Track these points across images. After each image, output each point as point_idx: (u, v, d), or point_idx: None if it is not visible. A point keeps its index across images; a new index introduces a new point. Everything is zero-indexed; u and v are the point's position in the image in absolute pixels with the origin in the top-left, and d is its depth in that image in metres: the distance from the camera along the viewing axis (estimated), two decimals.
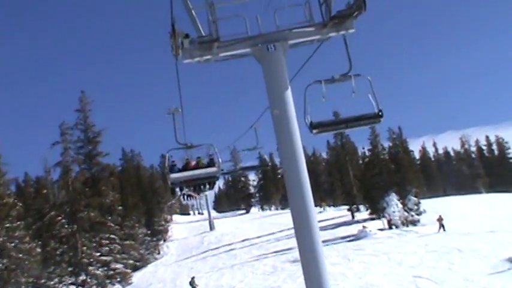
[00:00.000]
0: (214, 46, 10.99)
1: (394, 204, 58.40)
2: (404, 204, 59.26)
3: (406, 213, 58.92)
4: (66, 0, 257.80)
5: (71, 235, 53.36)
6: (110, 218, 57.05)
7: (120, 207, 61.17)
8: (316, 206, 75.65)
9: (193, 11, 11.55)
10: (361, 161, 77.04)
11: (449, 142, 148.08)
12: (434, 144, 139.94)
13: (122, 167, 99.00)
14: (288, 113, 11.04)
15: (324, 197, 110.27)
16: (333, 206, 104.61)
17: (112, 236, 56.91)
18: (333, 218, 75.95)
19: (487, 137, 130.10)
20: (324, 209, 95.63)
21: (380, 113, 11.17)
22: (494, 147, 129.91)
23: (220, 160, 19.05)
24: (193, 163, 20.57)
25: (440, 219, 53.55)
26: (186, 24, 11.11)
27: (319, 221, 55.29)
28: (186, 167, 20.19)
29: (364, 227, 55.43)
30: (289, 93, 11.32)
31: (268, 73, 11.23)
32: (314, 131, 11.45)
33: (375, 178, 60.96)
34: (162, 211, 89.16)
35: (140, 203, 78.80)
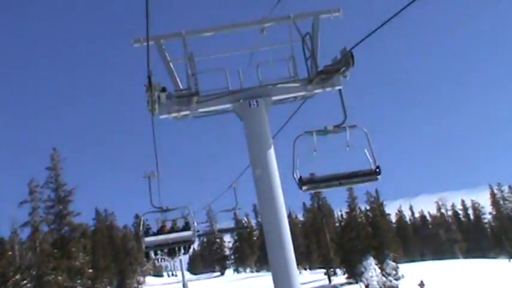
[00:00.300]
0: (193, 101, 10.29)
1: (372, 269, 57.22)
2: (382, 269, 58.11)
3: (384, 278, 57.67)
4: (40, 52, 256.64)
5: None
6: (79, 281, 53.56)
7: (90, 270, 57.91)
8: None
9: (171, 64, 10.87)
10: (338, 224, 76.10)
11: (423, 206, 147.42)
12: (411, 208, 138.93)
13: (94, 227, 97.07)
14: (270, 173, 10.33)
15: (300, 259, 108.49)
16: (309, 269, 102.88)
17: None
18: (309, 282, 74.42)
19: (463, 202, 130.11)
20: (300, 272, 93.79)
21: (378, 170, 10.00)
22: (470, 211, 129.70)
23: (195, 224, 19.38)
24: (168, 226, 20.55)
25: (421, 285, 52.41)
26: (163, 78, 10.43)
27: None
28: (161, 231, 20.20)
29: None
30: (271, 152, 10.64)
31: (250, 130, 10.54)
32: (303, 188, 10.19)
33: (352, 241, 59.90)
34: (135, 273, 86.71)
35: (112, 264, 76.58)
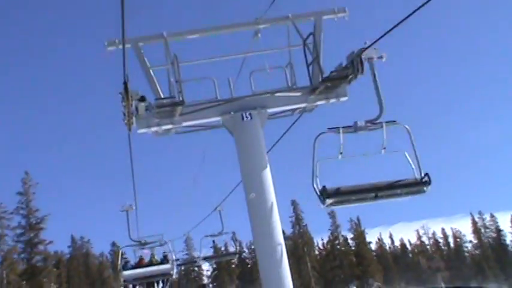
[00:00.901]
0: (177, 112, 8.98)
1: None
2: None
3: None
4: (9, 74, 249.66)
5: None
6: None
7: None
8: None
9: (151, 70, 9.51)
10: (318, 253, 74.63)
11: (402, 234, 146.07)
12: (391, 236, 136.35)
13: (70, 255, 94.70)
14: (265, 196, 9.04)
15: None
16: None
17: None
18: None
19: (443, 230, 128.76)
20: None
21: (426, 179, 7.97)
22: (451, 239, 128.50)
23: (174, 257, 19.73)
24: (146, 260, 20.84)
25: None
26: (142, 86, 9.04)
27: None
28: (139, 264, 20.68)
29: None
30: (267, 173, 9.39)
31: (242, 147, 9.32)
32: (327, 202, 7.96)
33: (334, 270, 58.43)
34: None
35: None
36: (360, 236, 64.79)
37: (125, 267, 20.30)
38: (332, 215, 62.01)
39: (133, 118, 8.56)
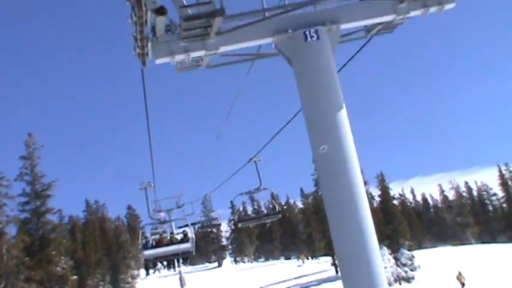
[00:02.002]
0: (213, 30, 5.81)
1: (386, 259, 52.76)
2: (396, 259, 53.79)
3: (399, 269, 53.40)
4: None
5: None
6: None
7: (75, 277, 49.92)
8: (294, 258, 69.62)
9: None
10: None
11: (418, 188, 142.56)
12: (412, 191, 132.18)
13: (85, 219, 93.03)
14: (343, 147, 6.38)
15: (301, 248, 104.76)
16: (312, 257, 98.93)
17: None
18: (314, 273, 70.17)
19: (466, 183, 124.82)
20: (303, 262, 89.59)
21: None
22: (474, 193, 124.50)
23: (194, 236, 19.72)
24: (166, 239, 20.99)
25: (461, 278, 46.76)
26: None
27: (299, 277, 48.98)
28: (159, 243, 20.45)
29: None
30: (343, 117, 6.49)
31: (305, 81, 6.44)
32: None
33: None
34: (129, 267, 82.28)
35: (105, 259, 72.13)
36: (386, 194, 61.32)
37: (146, 246, 20.08)
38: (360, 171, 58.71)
39: (149, 43, 5.89)
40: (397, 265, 53.45)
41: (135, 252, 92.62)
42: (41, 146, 47.27)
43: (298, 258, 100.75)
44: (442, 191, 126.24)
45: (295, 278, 68.42)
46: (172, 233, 21.52)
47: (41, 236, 44.76)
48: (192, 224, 51.37)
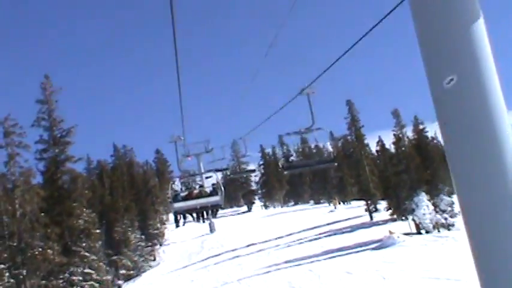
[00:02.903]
0: None
1: (425, 206, 50.45)
2: (435, 205, 51.38)
3: (438, 216, 51.03)
4: None
5: (17, 284, 34.24)
6: (83, 244, 40.57)
7: (98, 230, 45.86)
8: (324, 202, 67.80)
9: None
10: (376, 155, 69.11)
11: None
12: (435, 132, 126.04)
13: (113, 164, 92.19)
14: (481, 78, 3.39)
15: (332, 192, 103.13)
16: (343, 202, 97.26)
17: (88, 270, 40.08)
18: (347, 219, 68.36)
19: None
20: (335, 207, 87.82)
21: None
22: None
23: (223, 188, 19.64)
24: (196, 192, 21.21)
25: None
26: None
27: (331, 223, 46.80)
28: (189, 196, 20.79)
29: (390, 232, 47.51)
30: (481, 28, 3.60)
31: None
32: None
33: (400, 175, 52.80)
34: (157, 212, 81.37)
35: (133, 204, 71.00)
36: (422, 136, 58.38)
37: (176, 199, 20.22)
38: (396, 113, 55.87)
39: None
40: (436, 212, 51.06)
41: (164, 197, 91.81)
42: (58, 88, 43.12)
43: (329, 203, 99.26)
44: None
45: (327, 224, 66.68)
46: (201, 186, 21.69)
47: (61, 186, 40.79)
48: (225, 169, 49.55)
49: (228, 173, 51.27)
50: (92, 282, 38.46)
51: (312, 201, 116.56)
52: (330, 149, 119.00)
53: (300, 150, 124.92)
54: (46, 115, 41.80)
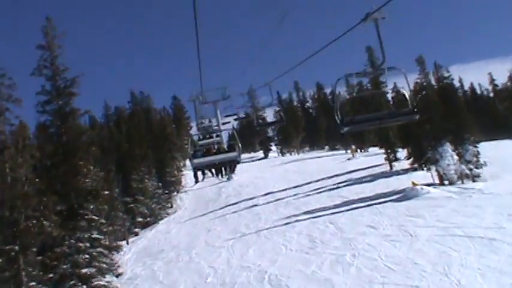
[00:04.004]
0: None
1: (449, 156, 48.98)
2: (460, 156, 49.90)
3: (463, 167, 49.63)
4: None
5: (8, 261, 28.57)
6: (92, 206, 34.83)
7: (106, 192, 40.62)
8: (340, 149, 66.70)
9: None
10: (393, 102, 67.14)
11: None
12: (460, 80, 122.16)
13: (130, 110, 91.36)
14: None
15: (349, 139, 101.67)
16: (361, 150, 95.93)
17: (96, 235, 34.52)
18: (366, 168, 67.05)
19: None
20: (353, 155, 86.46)
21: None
22: None
23: (240, 145, 20.06)
24: (214, 148, 22.22)
25: None
26: None
27: (350, 171, 45.56)
28: (207, 152, 21.51)
29: (413, 183, 46.20)
30: None
31: None
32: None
33: (422, 125, 50.94)
34: (174, 160, 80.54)
35: (150, 152, 70.09)
36: (446, 83, 56.23)
37: (195, 155, 20.63)
38: (420, 60, 53.82)
39: None
40: (461, 162, 49.65)
41: (181, 144, 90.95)
42: (61, 33, 37.07)
43: (346, 150, 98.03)
44: (492, 80, 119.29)
45: (347, 173, 65.57)
46: (219, 142, 22.36)
47: (65, 142, 35.41)
48: (241, 118, 47.99)
49: (255, 125, 50.05)
50: (101, 249, 34.10)
51: (327, 147, 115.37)
52: (346, 95, 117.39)
53: (316, 96, 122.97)
54: (48, 63, 36.34)
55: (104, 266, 33.21)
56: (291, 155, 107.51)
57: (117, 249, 35.38)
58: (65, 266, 30.91)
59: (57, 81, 36.14)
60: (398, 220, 37.69)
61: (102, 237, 34.52)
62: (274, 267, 33.00)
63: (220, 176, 23.83)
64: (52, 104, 36.08)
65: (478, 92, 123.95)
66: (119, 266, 34.85)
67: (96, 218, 34.24)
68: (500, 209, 34.56)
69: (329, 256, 32.45)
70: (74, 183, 33.56)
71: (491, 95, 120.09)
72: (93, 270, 32.72)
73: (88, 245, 32.97)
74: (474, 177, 49.20)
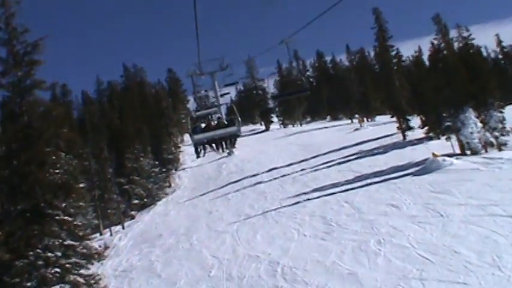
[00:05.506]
0: None
1: (472, 123, 44.56)
2: (484, 123, 45.50)
3: (488, 134, 45.26)
4: None
5: None
6: (63, 205, 25.90)
7: (82, 184, 32.46)
8: (343, 118, 62.41)
9: None
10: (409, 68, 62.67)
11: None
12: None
13: (124, 85, 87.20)
14: None
15: (355, 109, 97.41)
16: (367, 119, 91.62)
17: (69, 241, 25.26)
18: (377, 139, 62.66)
19: None
20: (360, 125, 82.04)
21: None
22: None
23: (239, 119, 20.21)
24: (214, 123, 21.33)
25: None
26: None
27: (359, 143, 40.84)
28: (207, 128, 21.02)
29: (434, 154, 41.79)
30: None
31: None
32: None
33: (441, 90, 46.42)
34: (171, 135, 76.15)
35: (144, 128, 65.80)
36: (468, 44, 51.50)
37: (195, 130, 20.54)
38: (437, 19, 49.14)
39: None
40: (486, 130, 45.25)
41: (178, 118, 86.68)
42: None
43: (351, 120, 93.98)
44: (499, 42, 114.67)
45: (355, 144, 61.21)
46: (219, 117, 21.84)
47: (27, 124, 26.36)
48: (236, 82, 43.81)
49: (275, 95, 47.20)
50: (76, 259, 25.18)
51: (329, 117, 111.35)
52: (347, 63, 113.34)
53: (317, 65, 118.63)
54: (2, 23, 27.26)
55: (81, 280, 24.09)
56: (293, 126, 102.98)
57: (100, 258, 25.86)
58: (29, 284, 22.98)
59: (14, 46, 27.39)
60: (422, 197, 33.43)
61: (77, 243, 25.75)
62: (287, 257, 28.73)
63: (220, 150, 20.92)
64: (9, 75, 27.38)
65: (485, 54, 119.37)
66: (100, 279, 24.92)
67: (69, 219, 25.95)
68: None
69: (350, 243, 28.12)
70: (39, 175, 25.42)
71: (500, 56, 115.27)
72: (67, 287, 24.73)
73: (59, 254, 24.81)
74: (501, 146, 44.78)
